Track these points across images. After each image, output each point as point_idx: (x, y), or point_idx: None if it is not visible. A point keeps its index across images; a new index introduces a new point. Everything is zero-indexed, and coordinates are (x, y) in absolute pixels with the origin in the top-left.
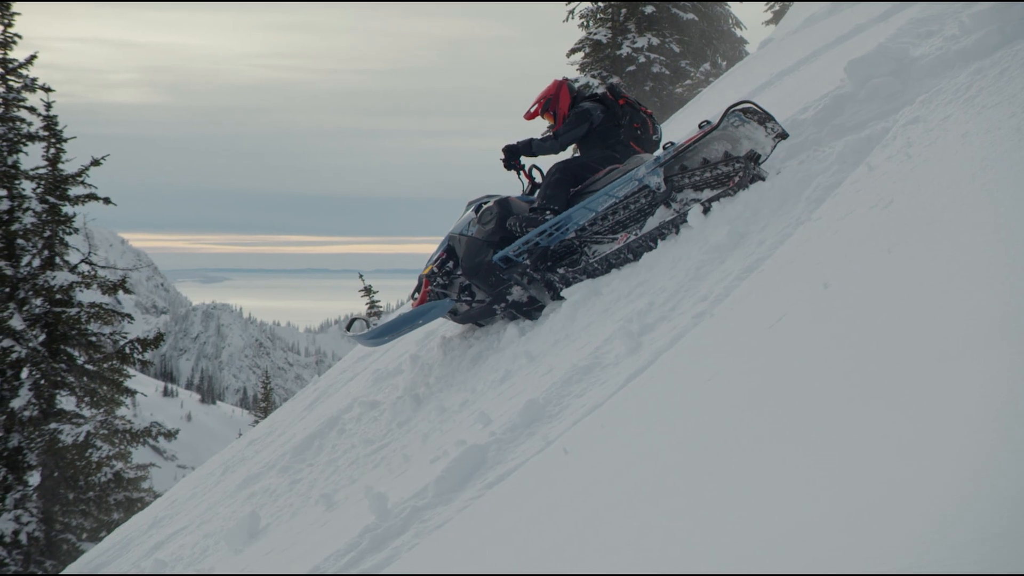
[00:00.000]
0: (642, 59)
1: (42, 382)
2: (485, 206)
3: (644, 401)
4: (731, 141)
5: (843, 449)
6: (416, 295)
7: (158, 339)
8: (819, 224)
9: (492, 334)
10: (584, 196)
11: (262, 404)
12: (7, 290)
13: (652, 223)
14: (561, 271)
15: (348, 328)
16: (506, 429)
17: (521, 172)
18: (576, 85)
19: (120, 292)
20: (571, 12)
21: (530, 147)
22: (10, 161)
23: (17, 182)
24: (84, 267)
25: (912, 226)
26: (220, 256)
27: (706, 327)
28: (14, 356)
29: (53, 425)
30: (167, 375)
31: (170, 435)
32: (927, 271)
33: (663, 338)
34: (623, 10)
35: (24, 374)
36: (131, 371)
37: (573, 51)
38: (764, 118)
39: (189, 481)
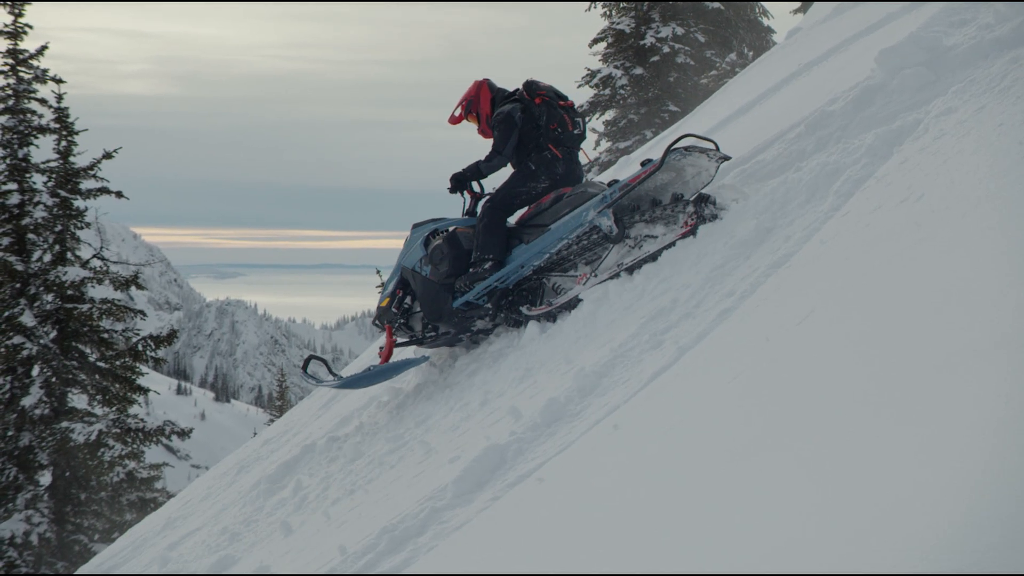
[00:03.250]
0: (666, 49)
1: (53, 380)
2: (434, 244)
3: (667, 401)
4: (675, 170)
5: (866, 453)
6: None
7: (171, 336)
8: (848, 218)
9: (512, 332)
10: (532, 230)
11: (277, 402)
12: (18, 286)
13: (610, 261)
14: (523, 309)
15: (304, 368)
16: (527, 428)
17: (466, 192)
18: (496, 86)
19: (133, 288)
20: (593, 1)
21: (479, 171)
22: (21, 154)
23: (28, 175)
24: (96, 262)
25: (944, 221)
26: (234, 251)
27: (731, 325)
28: (25, 353)
29: (64, 424)
30: (181, 373)
31: (184, 434)
32: (959, 268)
33: (687, 336)
34: None
35: (35, 372)
36: (144, 369)
37: (595, 41)
38: (704, 149)
39: (203, 481)
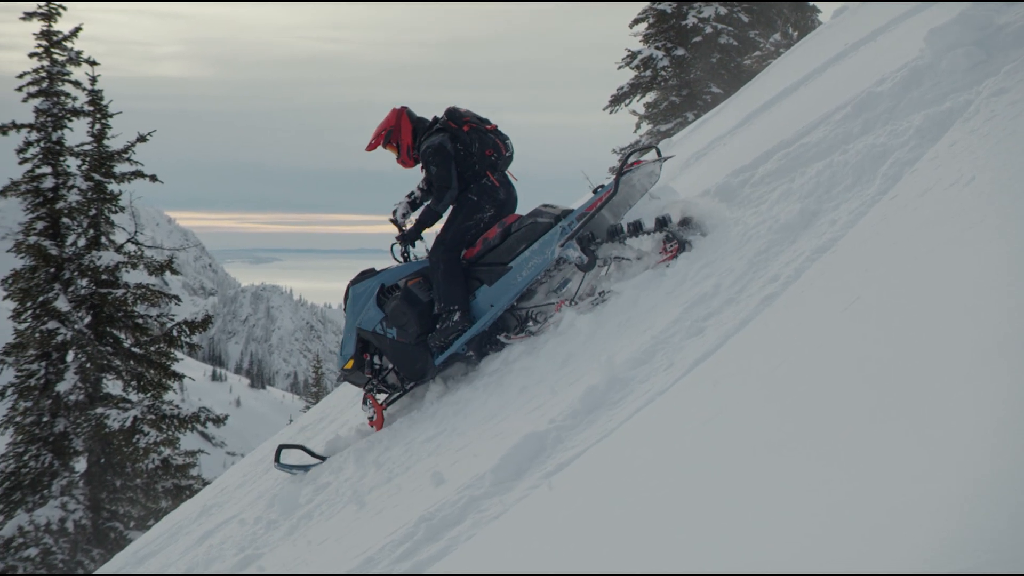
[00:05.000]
0: (709, 29)
1: (88, 365)
2: (392, 306)
3: (709, 388)
4: (628, 185)
5: (903, 450)
6: (372, 416)
7: (206, 321)
8: (896, 202)
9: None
10: (489, 268)
11: (313, 389)
12: (52, 270)
13: (584, 287)
14: (502, 338)
15: (276, 458)
16: (566, 416)
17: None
18: (416, 115)
19: (167, 273)
20: None
21: (434, 214)
22: (55, 137)
23: (62, 159)
24: (130, 247)
25: (995, 205)
26: (270, 236)
27: (775, 310)
28: (59, 339)
29: (99, 410)
30: (215, 359)
31: (219, 421)
32: (1011, 252)
33: (730, 322)
34: None
35: (70, 357)
36: (178, 354)
37: (636, 21)
38: (651, 161)
39: (239, 468)
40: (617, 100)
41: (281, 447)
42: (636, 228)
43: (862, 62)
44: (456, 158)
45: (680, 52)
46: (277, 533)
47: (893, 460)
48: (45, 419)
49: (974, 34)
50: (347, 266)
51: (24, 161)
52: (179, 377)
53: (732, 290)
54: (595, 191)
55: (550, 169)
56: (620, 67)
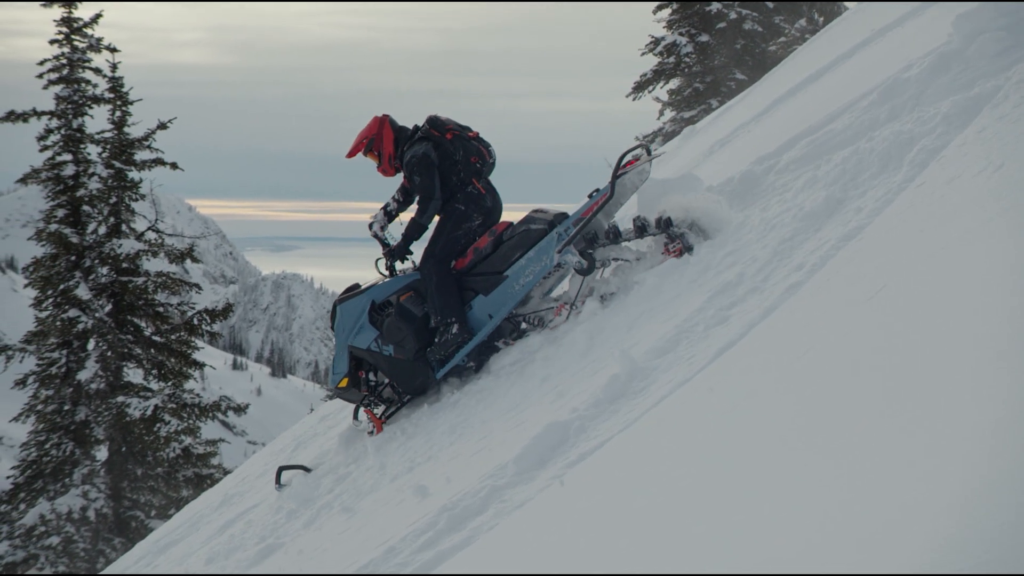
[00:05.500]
0: (733, 15)
1: (109, 354)
2: (387, 323)
3: (734, 377)
4: (621, 186)
5: (922, 446)
6: (372, 430)
7: (227, 310)
8: (922, 190)
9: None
10: (484, 278)
11: None
12: (73, 258)
13: (584, 290)
14: (500, 344)
15: (277, 480)
16: (588, 405)
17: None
18: (398, 123)
19: (188, 261)
20: None
21: (420, 226)
22: (75, 124)
23: (83, 146)
24: (151, 235)
25: None
26: (290, 224)
27: (800, 299)
28: (80, 327)
29: (120, 398)
30: (236, 347)
31: (240, 409)
32: None
33: (754, 310)
34: None
35: (90, 345)
36: (199, 343)
37: (660, 7)
38: (643, 161)
39: (260, 457)
40: (640, 87)
41: (282, 468)
42: (640, 230)
43: (889, 48)
44: (440, 167)
45: (704, 38)
46: (298, 522)
47: (900, 458)
48: (66, 407)
49: (1002, 19)
50: (368, 254)
51: (45, 148)
52: (200, 366)
53: (756, 279)
54: (590, 195)
55: (572, 156)
56: (643, 54)
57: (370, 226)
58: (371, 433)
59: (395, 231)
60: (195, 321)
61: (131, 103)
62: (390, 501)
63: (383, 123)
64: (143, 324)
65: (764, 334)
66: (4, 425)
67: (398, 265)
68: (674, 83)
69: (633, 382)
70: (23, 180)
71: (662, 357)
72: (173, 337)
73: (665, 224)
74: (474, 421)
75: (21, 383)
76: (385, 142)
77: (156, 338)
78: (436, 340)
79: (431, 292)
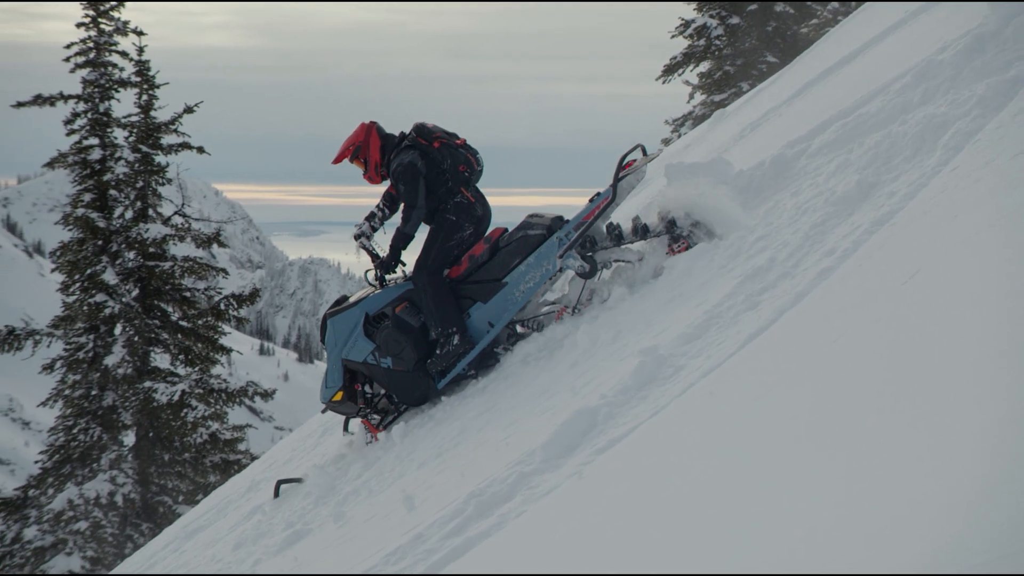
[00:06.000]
0: None
1: (136, 339)
2: (385, 335)
3: (763, 364)
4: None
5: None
6: (369, 440)
7: (254, 295)
8: (957, 173)
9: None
10: (482, 285)
11: None
12: (100, 243)
13: (585, 294)
14: (499, 351)
15: (276, 494)
16: (617, 392)
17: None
18: (385, 131)
19: (214, 245)
20: None
21: (407, 237)
22: (102, 108)
23: (109, 130)
24: (178, 219)
25: None
26: (317, 208)
27: (832, 284)
28: (107, 311)
29: (147, 383)
30: (263, 333)
31: (267, 395)
32: None
33: (785, 296)
34: None
35: (117, 330)
36: (226, 328)
37: None
38: (642, 162)
39: (287, 443)
40: (670, 70)
41: (280, 482)
42: (643, 230)
43: (923, 30)
44: (427, 176)
45: (735, 20)
46: (326, 508)
47: (935, 447)
48: (94, 392)
49: None
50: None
51: (71, 132)
52: (227, 351)
53: (787, 264)
54: (591, 199)
55: (602, 140)
56: (673, 36)
57: (356, 237)
58: (369, 443)
59: (382, 242)
60: (222, 306)
61: (157, 87)
62: (417, 487)
63: (370, 130)
64: (170, 309)
65: (795, 320)
66: (32, 410)
67: (392, 277)
68: (704, 66)
69: (662, 368)
70: (50, 164)
71: (691, 343)
72: (200, 322)
73: (669, 225)
74: (502, 407)
75: (49, 368)
76: (372, 149)
77: (183, 323)
78: (438, 352)
79: (428, 305)
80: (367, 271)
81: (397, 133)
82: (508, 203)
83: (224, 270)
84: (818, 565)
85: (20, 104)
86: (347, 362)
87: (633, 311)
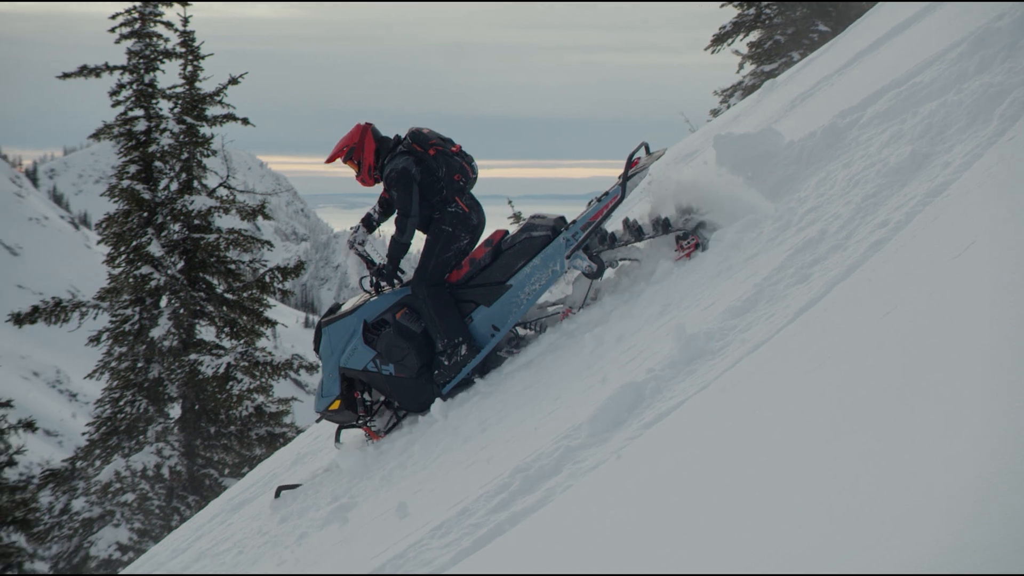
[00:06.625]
0: None
1: (181, 311)
2: (387, 342)
3: (813, 337)
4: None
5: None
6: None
7: (299, 267)
8: (1014, 143)
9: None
10: (485, 289)
11: None
12: (145, 215)
13: (590, 294)
14: (502, 354)
15: (277, 497)
16: (664, 366)
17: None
18: (380, 133)
19: (259, 218)
20: None
21: (403, 246)
22: (147, 79)
23: (154, 101)
24: (222, 191)
25: None
26: None
27: (884, 257)
28: (153, 284)
29: (193, 356)
30: (308, 305)
31: (312, 368)
32: None
33: (836, 268)
34: None
35: (163, 302)
36: (271, 301)
37: None
38: (648, 161)
39: None
40: (719, 40)
41: (280, 488)
42: (658, 226)
43: None
44: (422, 184)
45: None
46: (371, 482)
47: (958, 436)
48: (140, 365)
49: None
50: None
51: (117, 104)
52: (272, 324)
53: (839, 236)
54: (599, 199)
55: (649, 111)
56: (723, 5)
57: (351, 244)
58: (368, 440)
59: (378, 245)
60: (267, 278)
61: (202, 57)
62: (462, 461)
63: (365, 132)
64: (215, 281)
65: (846, 293)
66: (79, 382)
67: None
68: (754, 35)
69: (711, 342)
70: (96, 135)
71: (740, 316)
72: (245, 295)
73: (664, 224)
74: (548, 381)
75: (95, 340)
76: (366, 152)
77: (228, 295)
78: (445, 363)
79: (430, 316)
80: (362, 278)
81: (392, 136)
82: (556, 175)
83: (269, 242)
84: (848, 549)
85: (66, 75)
86: (345, 370)
87: (681, 284)
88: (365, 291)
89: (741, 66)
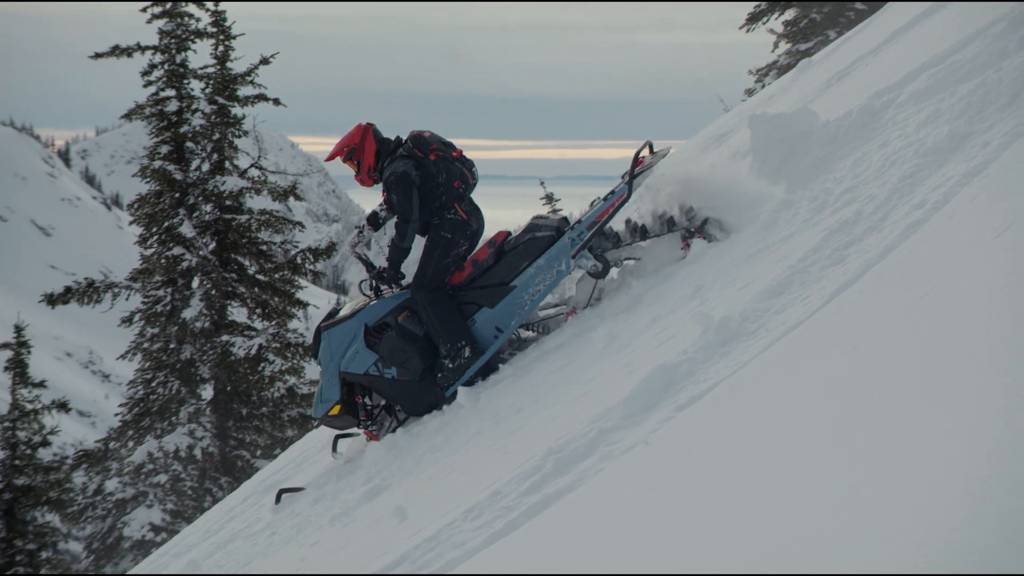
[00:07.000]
0: None
1: (213, 292)
2: (390, 345)
3: (850, 319)
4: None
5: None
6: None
7: (330, 248)
8: None
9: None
10: (488, 290)
11: None
12: (177, 196)
13: (595, 293)
14: (505, 355)
15: (277, 501)
16: (699, 347)
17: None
18: (381, 135)
19: (291, 199)
20: None
21: (404, 251)
22: (178, 59)
23: (186, 81)
24: (254, 172)
25: None
26: None
27: (921, 238)
28: (185, 264)
29: (225, 337)
30: (339, 287)
31: None
32: None
33: (872, 250)
34: None
35: (195, 283)
36: (302, 282)
37: None
38: (653, 161)
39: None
40: (754, 18)
41: (281, 491)
42: (663, 225)
43: None
44: (421, 188)
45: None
46: (404, 464)
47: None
48: (172, 346)
49: None
50: (475, 193)
51: (149, 84)
52: (303, 305)
53: (875, 217)
54: (604, 198)
55: (683, 90)
56: None
57: (353, 246)
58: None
59: (376, 254)
60: (298, 260)
61: (233, 37)
62: (495, 443)
63: (366, 133)
64: (247, 262)
65: (882, 275)
66: (111, 363)
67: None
68: (790, 13)
69: (745, 324)
70: (127, 116)
71: (775, 298)
72: (276, 276)
73: (669, 223)
74: (580, 363)
75: (127, 321)
76: (367, 153)
77: (260, 277)
78: (450, 366)
79: (431, 322)
80: (361, 282)
81: (393, 138)
82: (589, 156)
83: (300, 223)
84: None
85: (98, 55)
86: (346, 374)
87: (715, 265)
88: (364, 295)
89: (776, 45)
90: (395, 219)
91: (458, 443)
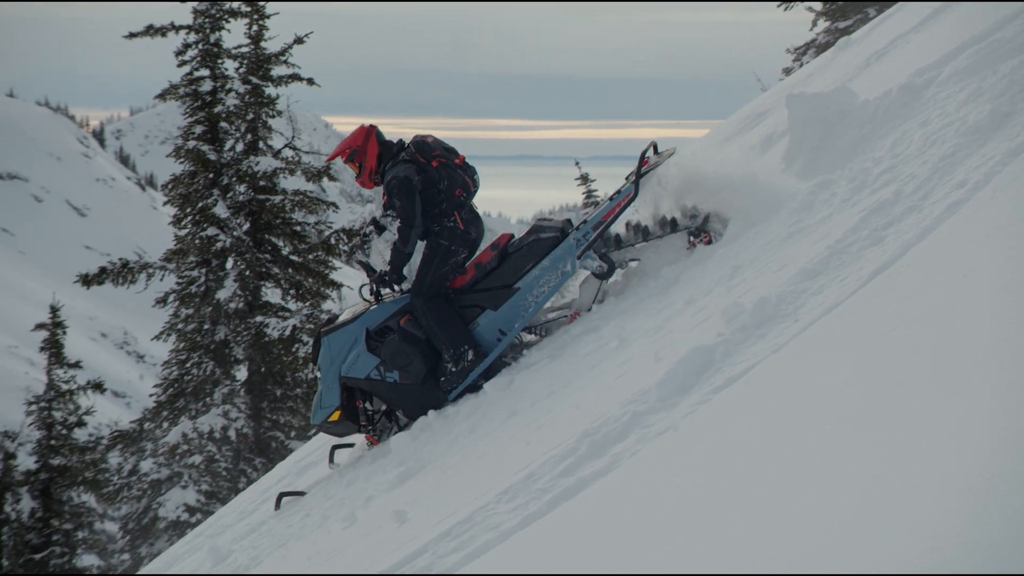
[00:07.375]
0: None
1: (247, 273)
2: (392, 349)
3: (889, 300)
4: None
5: None
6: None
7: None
8: None
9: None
10: (491, 293)
11: None
12: (211, 176)
13: (600, 294)
14: (507, 359)
15: (277, 506)
16: (735, 329)
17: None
18: (384, 137)
19: (324, 179)
20: None
21: (405, 255)
22: (212, 39)
23: (220, 61)
24: (288, 152)
25: None
26: None
27: (962, 218)
28: (219, 245)
29: (259, 318)
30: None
31: None
32: None
33: (912, 230)
34: None
35: (229, 264)
36: (336, 263)
37: None
38: (658, 160)
39: None
40: None
41: (281, 495)
42: (664, 224)
43: None
44: (422, 194)
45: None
46: (438, 446)
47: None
48: (206, 327)
49: None
50: (506, 172)
51: (183, 64)
52: (337, 286)
53: (914, 197)
54: (610, 198)
55: (719, 69)
56: None
57: (353, 251)
58: (370, 446)
59: (383, 251)
60: (332, 240)
61: (267, 17)
62: (529, 425)
63: (369, 135)
64: (280, 243)
65: (921, 256)
66: (146, 343)
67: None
68: None
69: (782, 305)
70: (162, 96)
71: (813, 279)
72: (310, 257)
73: (671, 224)
74: (615, 344)
75: (162, 302)
76: (369, 155)
77: (293, 257)
78: (453, 370)
79: (432, 328)
80: (362, 286)
81: (396, 141)
82: (624, 136)
83: (334, 204)
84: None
85: (132, 35)
86: (346, 379)
87: (751, 246)
88: (365, 299)
89: (814, 23)
90: (397, 224)
91: (491, 426)
